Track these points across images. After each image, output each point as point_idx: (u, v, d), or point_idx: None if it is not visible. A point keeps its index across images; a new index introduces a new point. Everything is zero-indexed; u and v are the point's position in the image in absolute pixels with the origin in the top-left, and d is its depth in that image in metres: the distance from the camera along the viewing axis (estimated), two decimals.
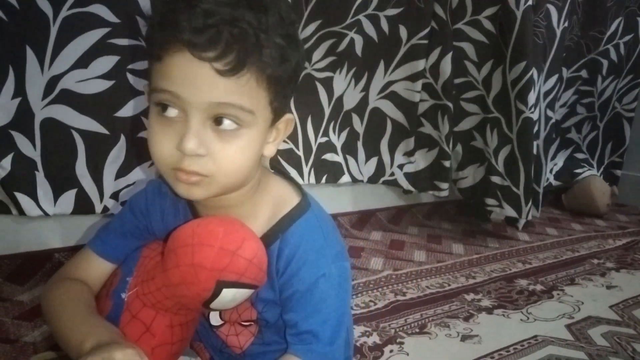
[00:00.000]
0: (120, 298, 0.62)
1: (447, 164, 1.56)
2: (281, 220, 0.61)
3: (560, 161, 2.06)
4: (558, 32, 1.62)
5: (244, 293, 0.56)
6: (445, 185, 1.59)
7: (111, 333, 0.57)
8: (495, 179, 1.59)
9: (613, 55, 1.99)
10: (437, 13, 1.45)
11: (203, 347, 0.72)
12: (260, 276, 0.57)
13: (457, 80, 1.57)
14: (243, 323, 0.65)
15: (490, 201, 1.61)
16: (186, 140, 0.51)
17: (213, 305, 0.56)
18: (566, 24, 1.65)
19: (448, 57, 1.47)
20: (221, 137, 0.53)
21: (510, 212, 1.58)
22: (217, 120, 0.53)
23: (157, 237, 0.68)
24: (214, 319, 0.66)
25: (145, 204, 0.68)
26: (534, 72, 1.48)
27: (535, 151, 1.57)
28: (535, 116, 1.52)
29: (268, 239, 0.60)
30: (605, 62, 1.98)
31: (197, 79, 0.50)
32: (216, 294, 0.54)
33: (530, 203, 1.58)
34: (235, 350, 0.67)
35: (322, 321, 0.59)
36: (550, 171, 1.96)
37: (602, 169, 2.14)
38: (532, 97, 1.48)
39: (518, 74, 1.47)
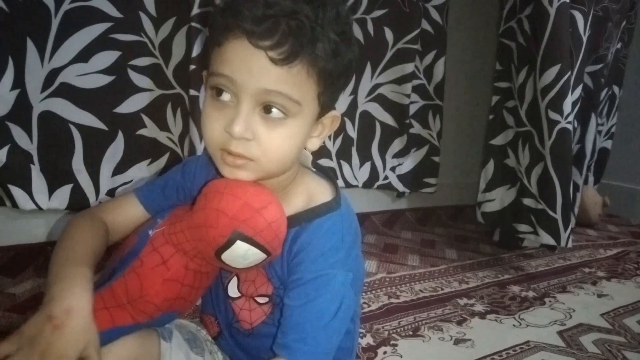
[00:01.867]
0: (146, 234, 0.64)
1: (436, 159, 1.57)
2: (309, 210, 0.62)
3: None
4: (584, 39, 1.37)
5: (256, 254, 0.58)
6: (433, 181, 1.59)
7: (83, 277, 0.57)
8: (528, 202, 1.38)
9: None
10: (433, 17, 1.46)
11: (214, 320, 0.72)
12: (275, 243, 0.59)
13: (503, 84, 1.42)
14: (258, 300, 0.66)
15: (522, 227, 1.41)
16: (235, 124, 0.54)
17: (225, 255, 0.57)
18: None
19: (442, 61, 1.49)
20: (268, 124, 0.56)
21: (546, 239, 1.35)
22: (266, 108, 0.55)
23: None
24: (232, 289, 0.67)
25: (195, 169, 0.70)
26: (570, 76, 1.29)
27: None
28: (571, 127, 1.32)
29: (291, 221, 0.61)
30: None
31: (251, 65, 0.53)
32: (230, 242, 0.56)
33: (569, 228, 1.35)
34: (244, 325, 0.67)
35: (316, 318, 0.59)
36: None
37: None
38: (567, 105, 1.28)
39: (552, 79, 1.27)
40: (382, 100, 1.51)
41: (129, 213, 0.71)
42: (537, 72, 1.29)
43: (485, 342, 0.97)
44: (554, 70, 1.27)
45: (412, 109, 1.56)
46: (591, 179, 2.09)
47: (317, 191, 0.65)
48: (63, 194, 1.05)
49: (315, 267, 0.59)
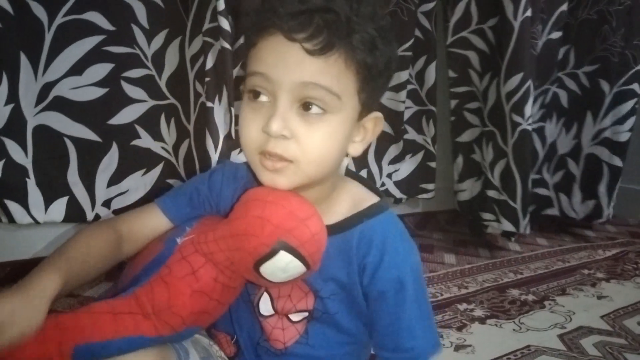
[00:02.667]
0: (174, 241, 0.61)
1: (433, 164, 1.57)
2: (362, 211, 0.61)
3: None
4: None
5: (297, 267, 0.55)
6: (431, 186, 1.59)
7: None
8: (492, 193, 1.55)
9: None
10: (422, 24, 1.47)
11: (229, 339, 0.69)
12: (317, 257, 0.56)
13: (461, 89, 1.56)
14: (292, 317, 0.64)
15: (486, 215, 1.57)
16: (272, 121, 0.52)
17: (264, 267, 0.55)
18: (556, 35, 1.61)
19: (432, 66, 1.49)
20: (307, 121, 0.54)
21: (507, 226, 1.54)
22: (304, 105, 0.54)
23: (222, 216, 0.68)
24: (265, 307, 0.65)
25: (221, 183, 0.68)
26: (530, 84, 1.45)
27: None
28: (531, 128, 1.51)
29: (347, 222, 0.60)
30: None
31: (286, 59, 0.52)
32: (273, 252, 0.54)
33: (527, 216, 1.55)
34: (276, 344, 0.65)
35: (417, 317, 0.59)
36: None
37: None
38: (528, 109, 1.47)
39: (514, 86, 1.44)
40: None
41: (149, 223, 0.68)
42: (501, 78, 1.45)
43: (486, 347, 0.97)
44: (517, 78, 1.43)
45: (406, 115, 1.56)
46: (577, 192, 2.00)
47: (363, 196, 0.63)
48: (59, 206, 1.04)
49: (399, 262, 0.59)
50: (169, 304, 0.56)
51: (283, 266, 0.54)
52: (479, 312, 1.13)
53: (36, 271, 0.57)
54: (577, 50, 1.74)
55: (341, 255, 0.60)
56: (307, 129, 0.54)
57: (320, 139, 0.54)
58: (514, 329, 1.06)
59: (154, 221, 0.68)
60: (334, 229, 0.60)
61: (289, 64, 0.52)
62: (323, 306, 0.62)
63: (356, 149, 0.60)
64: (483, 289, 1.27)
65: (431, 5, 1.45)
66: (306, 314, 0.63)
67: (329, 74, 0.53)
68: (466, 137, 1.60)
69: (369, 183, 0.66)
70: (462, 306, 1.16)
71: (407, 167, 1.60)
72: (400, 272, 0.58)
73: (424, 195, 1.63)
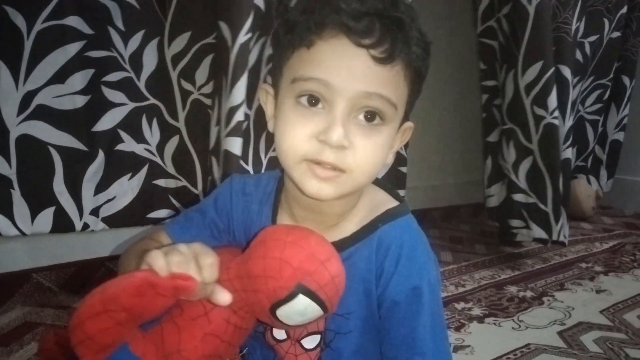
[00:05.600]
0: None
1: (404, 169, 1.40)
2: (379, 216, 0.58)
3: None
4: None
5: (314, 311, 0.52)
6: (401, 192, 1.48)
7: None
8: (519, 197, 1.40)
9: (578, 56, 1.76)
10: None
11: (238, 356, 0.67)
12: (335, 300, 0.54)
13: (490, 82, 1.45)
14: (304, 344, 0.61)
15: (515, 222, 1.42)
16: (333, 130, 0.49)
17: (281, 310, 0.52)
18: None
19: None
20: (364, 131, 0.51)
21: (538, 232, 1.39)
22: (362, 113, 0.51)
23: (236, 238, 0.65)
24: (279, 331, 0.62)
25: (230, 202, 0.64)
26: (555, 72, 1.33)
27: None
28: (558, 122, 1.35)
29: (364, 231, 0.58)
30: None
31: (353, 66, 0.49)
32: (292, 296, 0.51)
33: (561, 220, 1.38)
34: None
35: (430, 330, 0.56)
36: None
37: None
38: (552, 101, 1.32)
39: (535, 76, 1.30)
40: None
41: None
42: (518, 69, 1.32)
43: (485, 347, 0.95)
44: (536, 67, 1.30)
45: None
46: (604, 172, 2.08)
47: (381, 199, 0.60)
48: (46, 217, 1.03)
49: (415, 272, 0.56)
50: (180, 347, 0.54)
51: (301, 309, 0.52)
52: (477, 311, 1.11)
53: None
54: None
55: (361, 265, 0.57)
56: (365, 140, 0.51)
57: (375, 149, 0.52)
58: (513, 327, 1.05)
59: None
60: (351, 240, 0.58)
61: (355, 72, 0.49)
62: (336, 326, 0.60)
63: (390, 158, 0.58)
64: (480, 286, 1.26)
65: None
66: (318, 337, 0.61)
67: (391, 84, 0.50)
68: (494, 136, 1.48)
69: (388, 187, 0.64)
70: (460, 305, 1.14)
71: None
72: (415, 282, 0.55)
73: None
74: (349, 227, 0.59)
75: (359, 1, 0.49)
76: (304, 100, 0.51)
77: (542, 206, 1.37)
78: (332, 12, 0.49)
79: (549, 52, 1.31)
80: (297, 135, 0.51)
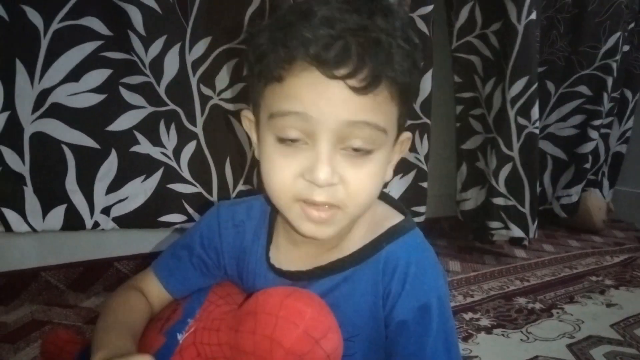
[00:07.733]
0: (175, 338, 0.57)
1: (424, 184, 1.44)
2: (383, 234, 0.55)
3: (574, 194, 1.84)
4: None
5: None
6: (422, 209, 1.47)
7: (127, 348, 0.51)
8: (498, 201, 1.52)
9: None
10: (419, 27, 1.40)
11: None
12: None
13: (466, 94, 1.54)
14: None
15: (494, 224, 1.54)
16: (318, 170, 0.46)
17: None
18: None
19: (429, 74, 1.37)
20: (352, 161, 0.48)
21: (517, 232, 1.52)
22: (349, 143, 0.47)
23: (228, 273, 0.63)
24: None
25: (218, 236, 0.61)
26: (536, 87, 1.44)
27: None
28: (537, 131, 1.50)
29: (366, 251, 0.55)
30: (609, 79, 1.80)
31: (329, 98, 0.45)
32: None
33: (536, 221, 1.53)
34: None
35: (443, 352, 0.53)
36: (557, 199, 1.86)
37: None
38: (535, 112, 1.46)
39: (520, 89, 1.42)
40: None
41: (152, 293, 0.63)
42: (506, 83, 1.44)
43: (493, 358, 0.94)
44: (522, 82, 1.42)
45: None
46: (606, 183, 2.07)
47: (384, 214, 0.58)
48: (57, 214, 1.03)
49: (422, 291, 0.53)
50: None
51: None
52: (485, 322, 1.10)
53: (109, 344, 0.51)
54: None
55: (366, 287, 0.55)
56: (354, 171, 0.48)
57: (368, 179, 0.49)
58: (521, 339, 1.03)
59: (156, 291, 0.63)
60: (352, 259, 0.56)
61: (333, 104, 0.45)
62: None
63: (389, 174, 0.55)
64: (489, 297, 1.25)
65: (429, 8, 1.33)
66: None
67: (376, 109, 0.47)
68: (471, 144, 1.58)
69: (390, 198, 0.61)
70: (468, 315, 1.13)
71: (396, 189, 1.43)
72: (423, 300, 0.53)
73: (415, 219, 1.53)
74: (349, 246, 0.57)
75: (328, 23, 0.44)
76: (283, 139, 0.48)
77: (520, 208, 1.52)
78: (300, 45, 0.44)
79: (535, 68, 1.44)
80: (284, 176, 0.49)
